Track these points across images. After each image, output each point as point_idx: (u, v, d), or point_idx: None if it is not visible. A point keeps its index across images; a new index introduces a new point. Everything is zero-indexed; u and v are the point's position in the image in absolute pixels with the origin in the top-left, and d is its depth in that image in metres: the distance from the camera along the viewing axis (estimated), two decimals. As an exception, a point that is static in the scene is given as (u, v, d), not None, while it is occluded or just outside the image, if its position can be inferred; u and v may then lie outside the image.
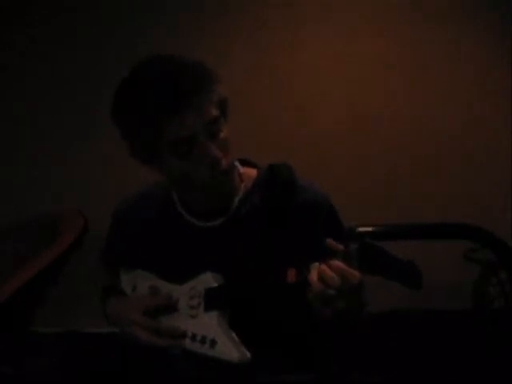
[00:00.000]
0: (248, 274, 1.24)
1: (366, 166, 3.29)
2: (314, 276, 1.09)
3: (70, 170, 3.27)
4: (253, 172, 1.38)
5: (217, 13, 3.28)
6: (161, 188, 1.41)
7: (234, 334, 1.22)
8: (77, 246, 2.49)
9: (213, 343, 1.23)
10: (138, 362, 1.33)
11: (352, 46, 3.29)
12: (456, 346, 2.59)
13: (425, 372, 2.37)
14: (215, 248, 1.32)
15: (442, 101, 3.29)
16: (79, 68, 3.27)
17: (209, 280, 1.27)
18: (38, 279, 2.25)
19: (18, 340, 2.33)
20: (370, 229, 2.45)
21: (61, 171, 3.27)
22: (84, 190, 3.21)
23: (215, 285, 1.26)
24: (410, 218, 2.78)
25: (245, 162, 1.40)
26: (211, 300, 1.26)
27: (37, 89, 3.30)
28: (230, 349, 1.21)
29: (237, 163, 1.36)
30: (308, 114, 3.28)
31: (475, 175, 3.28)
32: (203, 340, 1.24)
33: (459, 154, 3.29)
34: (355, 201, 3.11)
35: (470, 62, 3.27)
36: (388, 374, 1.33)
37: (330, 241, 1.10)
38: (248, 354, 1.20)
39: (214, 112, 1.22)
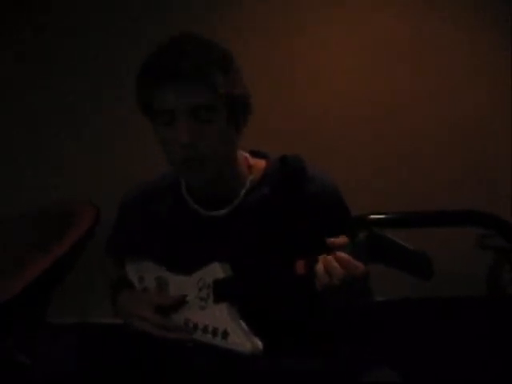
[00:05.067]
0: (255, 264, 1.24)
1: (375, 154, 3.28)
2: (320, 267, 1.10)
3: (80, 162, 3.28)
4: (262, 163, 1.38)
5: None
6: (170, 178, 1.42)
7: (245, 325, 1.22)
8: (89, 236, 2.50)
9: (225, 335, 1.23)
10: (151, 354, 1.33)
11: (355, 36, 3.28)
12: (469, 334, 2.58)
13: (437, 360, 2.36)
14: (221, 237, 1.32)
15: (454, 88, 3.28)
16: (84, 61, 3.28)
17: (217, 271, 1.26)
18: (52, 270, 2.26)
19: (34, 331, 2.35)
20: (380, 216, 2.43)
21: (71, 164, 3.28)
22: (94, 183, 3.23)
23: (223, 276, 1.25)
24: (421, 205, 2.77)
25: (255, 154, 1.40)
26: (220, 292, 1.25)
27: (43, 84, 3.30)
28: (242, 340, 1.21)
29: (246, 155, 1.37)
30: (314, 102, 3.27)
31: (488, 162, 3.26)
32: (215, 332, 1.24)
33: (471, 141, 3.27)
34: (365, 189, 3.11)
35: (476, 51, 3.27)
36: (398, 362, 1.34)
37: (333, 240, 1.11)
38: (260, 346, 1.20)
39: (207, 100, 1.21)
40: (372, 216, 2.38)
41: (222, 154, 1.27)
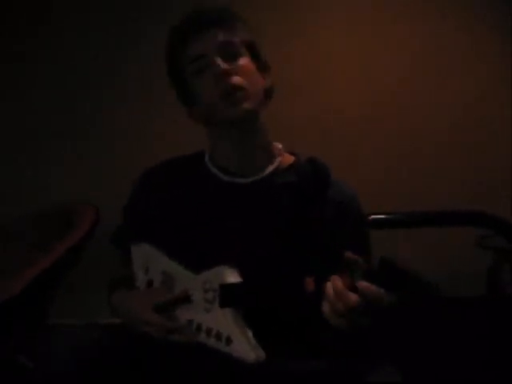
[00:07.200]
0: (264, 267, 1.24)
1: (375, 154, 3.28)
2: (329, 291, 1.09)
3: (80, 162, 3.27)
4: (290, 157, 1.42)
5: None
6: (193, 154, 1.45)
7: (249, 333, 1.21)
8: (89, 237, 2.50)
9: (228, 341, 1.22)
10: (151, 354, 1.33)
11: (355, 36, 3.29)
12: (469, 334, 2.58)
13: (437, 360, 2.36)
14: (239, 208, 1.33)
15: (454, 88, 3.28)
16: (90, 62, 3.27)
17: (224, 275, 1.24)
18: (52, 270, 2.26)
19: (34, 331, 2.35)
20: (382, 216, 2.43)
21: (71, 164, 3.28)
22: (94, 183, 3.22)
23: (230, 280, 1.23)
24: (421, 205, 2.77)
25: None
26: (226, 297, 1.24)
27: (43, 84, 3.30)
28: (245, 348, 1.19)
29: (277, 144, 1.41)
30: (314, 102, 3.27)
31: (488, 162, 3.26)
32: (218, 336, 1.23)
33: (471, 141, 3.27)
34: (365, 189, 3.09)
35: (476, 51, 3.28)
36: (398, 361, 1.34)
37: (348, 254, 1.09)
38: (263, 356, 1.19)
39: (232, 39, 1.34)
40: (374, 216, 2.37)
41: (256, 92, 1.33)
